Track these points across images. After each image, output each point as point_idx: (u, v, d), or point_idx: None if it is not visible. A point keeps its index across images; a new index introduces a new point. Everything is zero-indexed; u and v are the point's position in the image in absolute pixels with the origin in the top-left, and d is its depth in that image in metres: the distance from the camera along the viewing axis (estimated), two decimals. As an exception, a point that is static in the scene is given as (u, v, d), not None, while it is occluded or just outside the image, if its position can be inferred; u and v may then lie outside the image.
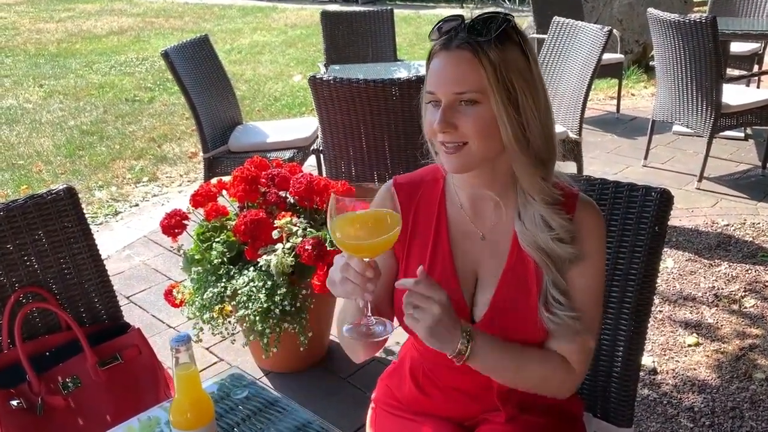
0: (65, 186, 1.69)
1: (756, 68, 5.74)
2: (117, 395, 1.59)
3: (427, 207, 1.31)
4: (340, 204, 1.09)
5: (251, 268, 2.30)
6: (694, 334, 2.76)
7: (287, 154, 3.67)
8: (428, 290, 1.09)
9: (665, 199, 1.50)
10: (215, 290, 2.28)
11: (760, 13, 5.74)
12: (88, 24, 11.66)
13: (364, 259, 1.09)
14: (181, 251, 2.46)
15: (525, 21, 7.32)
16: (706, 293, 3.04)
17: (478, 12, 1.15)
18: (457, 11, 12.13)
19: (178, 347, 1.02)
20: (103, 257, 3.56)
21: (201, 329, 2.36)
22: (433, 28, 1.16)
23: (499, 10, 1.17)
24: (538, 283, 1.22)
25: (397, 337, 2.65)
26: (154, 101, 6.86)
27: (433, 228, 1.30)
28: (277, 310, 2.22)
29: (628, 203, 1.53)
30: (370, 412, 1.52)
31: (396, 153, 2.79)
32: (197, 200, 2.48)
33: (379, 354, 2.61)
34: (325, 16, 4.97)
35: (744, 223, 3.68)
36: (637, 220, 1.50)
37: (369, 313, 1.14)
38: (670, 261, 3.31)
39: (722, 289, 3.07)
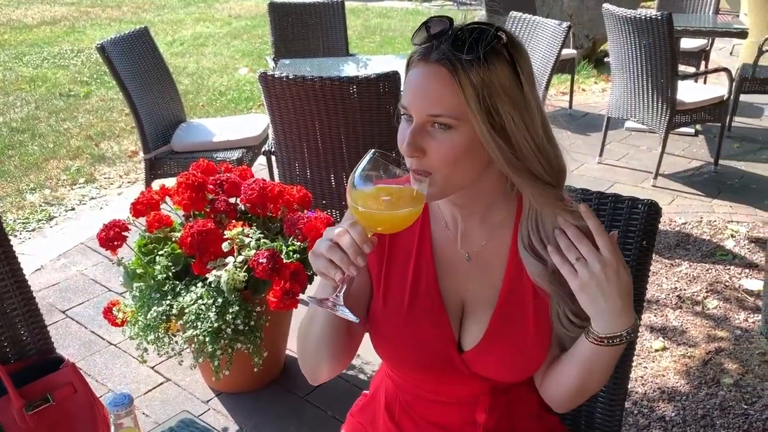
0: (-18, 202, 1.47)
1: (703, 64, 5.82)
2: (48, 442, 1.39)
3: None
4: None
5: (199, 284, 2.11)
6: (661, 338, 2.71)
7: (235, 154, 3.47)
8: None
9: (653, 211, 1.40)
10: (160, 309, 2.09)
11: (706, 8, 5.81)
12: (18, 13, 11.01)
13: (368, 234, 0.98)
14: (121, 265, 2.25)
15: (476, 15, 7.25)
16: (669, 294, 3.00)
17: (429, 5, 1.00)
18: (406, 4, 12.01)
19: (119, 412, 0.84)
20: (36, 267, 3.38)
21: (145, 350, 2.16)
22: (418, 29, 1.00)
23: (487, 21, 1.00)
24: (536, 314, 1.10)
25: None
26: (91, 96, 6.49)
27: (415, 248, 1.16)
28: (228, 330, 2.05)
29: (613, 216, 1.42)
30: (339, 451, 1.37)
31: (354, 155, 2.63)
32: (138, 209, 2.27)
33: (344, 371, 2.47)
34: (273, 7, 4.75)
35: (701, 221, 3.67)
36: (623, 235, 1.40)
37: (341, 292, 1.01)
38: (632, 261, 3.26)
39: (685, 290, 3.03)
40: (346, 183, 1.00)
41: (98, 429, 1.51)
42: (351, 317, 1.01)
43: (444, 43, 0.97)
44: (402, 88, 1.06)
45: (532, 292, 1.09)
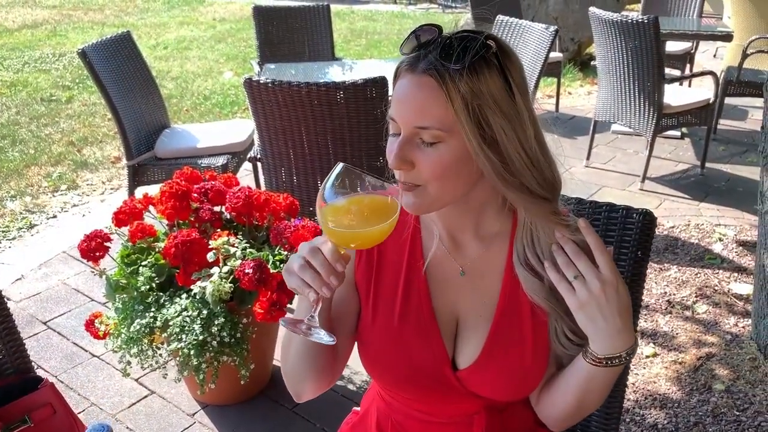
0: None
1: (688, 67, 5.84)
2: (25, 466, 1.34)
3: (398, 236, 1.11)
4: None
5: (184, 296, 2.06)
6: (651, 344, 2.69)
7: (220, 160, 3.42)
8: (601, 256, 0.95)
9: (648, 221, 1.38)
10: (143, 321, 2.03)
11: (690, 11, 5.84)
12: (-2, 16, 10.89)
13: (341, 251, 0.95)
14: (104, 276, 2.20)
15: (462, 18, 7.24)
16: (659, 300, 2.98)
17: (414, 8, 0.96)
18: (391, 7, 11.99)
19: (95, 443, 0.80)
20: (16, 277, 3.31)
21: (129, 363, 2.11)
22: (407, 38, 0.96)
23: (475, 26, 0.95)
24: (534, 331, 1.07)
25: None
26: (73, 101, 6.40)
27: (406, 262, 1.12)
28: (214, 342, 2.00)
29: (606, 226, 1.39)
30: (328, 471, 1.33)
31: (342, 161, 2.58)
32: (120, 219, 2.22)
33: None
34: (258, 11, 4.70)
35: (689, 225, 3.67)
36: (617, 245, 1.37)
37: (316, 313, 0.98)
38: (621, 266, 3.25)
39: (674, 294, 3.02)
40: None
41: (79, 450, 1.46)
42: (326, 341, 0.98)
43: (432, 53, 0.94)
44: (390, 95, 1.02)
45: (530, 308, 1.06)
